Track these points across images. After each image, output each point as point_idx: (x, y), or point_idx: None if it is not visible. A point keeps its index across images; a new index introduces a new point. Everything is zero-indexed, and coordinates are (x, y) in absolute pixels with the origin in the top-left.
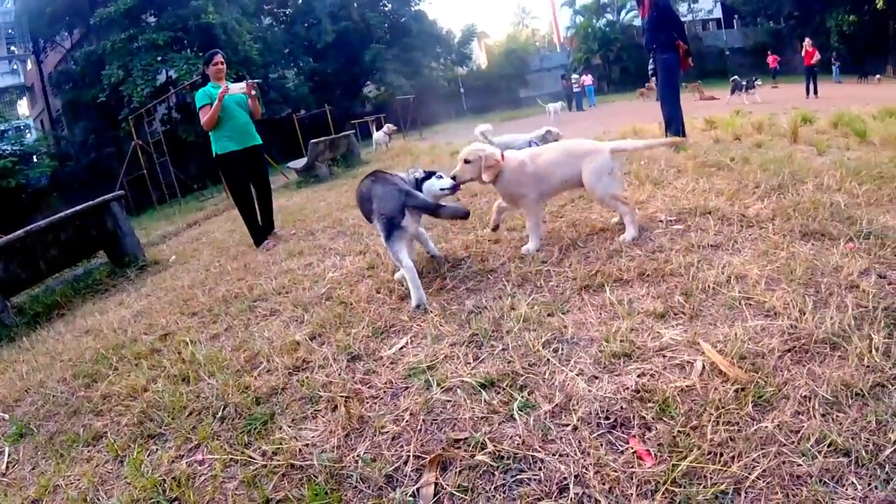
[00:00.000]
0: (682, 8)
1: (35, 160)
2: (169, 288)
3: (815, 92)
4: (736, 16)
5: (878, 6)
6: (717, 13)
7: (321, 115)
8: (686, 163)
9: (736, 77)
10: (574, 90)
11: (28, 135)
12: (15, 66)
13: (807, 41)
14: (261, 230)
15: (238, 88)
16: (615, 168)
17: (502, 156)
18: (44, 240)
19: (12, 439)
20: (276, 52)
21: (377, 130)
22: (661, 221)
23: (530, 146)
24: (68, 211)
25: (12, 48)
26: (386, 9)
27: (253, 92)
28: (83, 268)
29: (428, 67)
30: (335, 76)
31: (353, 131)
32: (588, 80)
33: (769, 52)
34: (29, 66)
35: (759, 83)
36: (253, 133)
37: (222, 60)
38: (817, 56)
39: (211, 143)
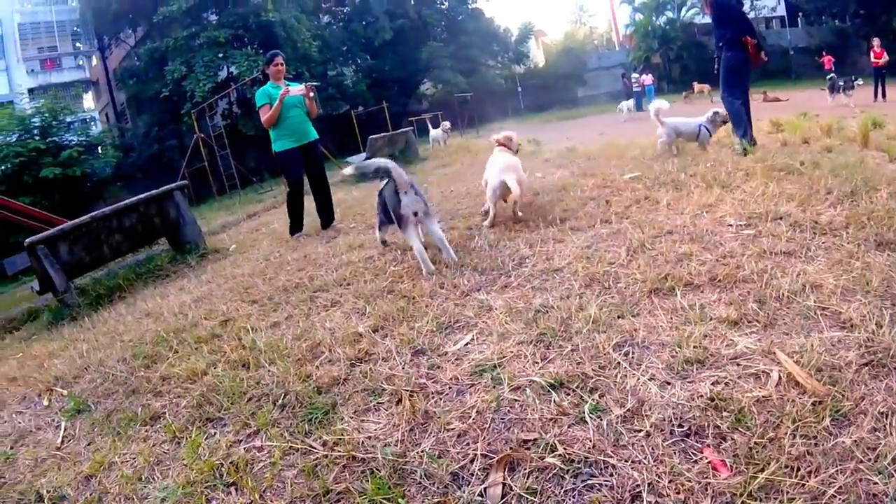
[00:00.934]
0: (745, 5)
1: (100, 151)
2: (229, 276)
3: (884, 95)
4: (800, 14)
5: None
6: (781, 11)
7: (379, 112)
8: (754, 166)
9: (833, 75)
10: (634, 89)
11: (93, 127)
12: (80, 62)
13: (875, 41)
14: (300, 223)
15: (297, 90)
16: None
17: None
18: (108, 225)
19: (69, 415)
20: (334, 50)
21: (434, 128)
22: (730, 225)
23: (700, 130)
24: (133, 199)
25: (77, 44)
26: (443, 7)
27: (311, 94)
28: (145, 253)
29: (485, 65)
30: (392, 73)
31: (411, 128)
32: (648, 79)
33: (823, 53)
34: (94, 61)
35: (860, 83)
36: (310, 130)
37: (282, 61)
38: (885, 57)
39: (271, 141)
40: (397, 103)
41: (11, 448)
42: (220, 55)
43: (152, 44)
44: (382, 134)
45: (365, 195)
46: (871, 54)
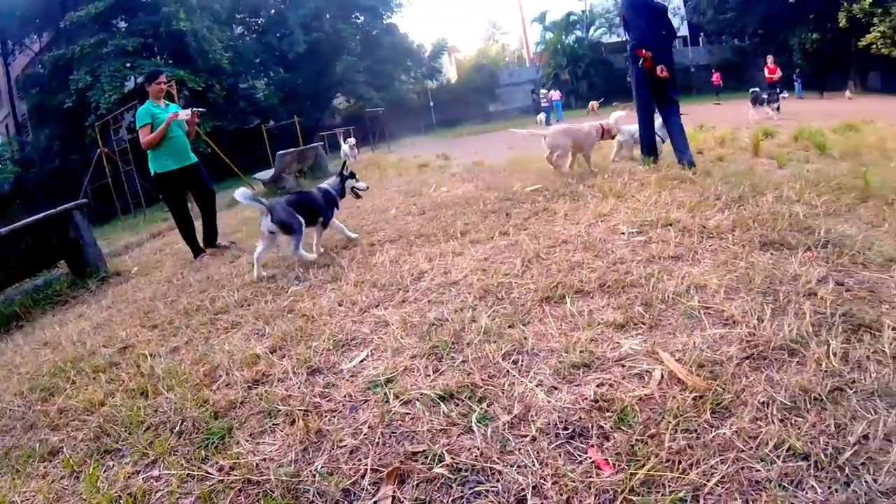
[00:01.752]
0: None
1: None
2: (130, 300)
3: (778, 108)
4: (702, 33)
5: (841, 24)
6: (684, 31)
7: (290, 126)
8: (649, 176)
9: (756, 89)
10: (542, 105)
11: None
12: None
13: (769, 58)
14: (198, 244)
15: (184, 116)
16: None
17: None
18: (2, 248)
19: None
20: (246, 62)
21: (345, 143)
22: (623, 233)
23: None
24: (29, 219)
25: None
26: (358, 21)
27: (196, 120)
28: (43, 278)
29: (398, 80)
30: (305, 87)
31: (322, 143)
32: (556, 95)
33: (713, 70)
34: None
35: (785, 95)
36: (190, 152)
37: (165, 80)
38: (779, 73)
39: (149, 161)
40: (310, 117)
41: None
42: (128, 65)
43: (58, 51)
44: (291, 149)
45: None
46: (766, 70)
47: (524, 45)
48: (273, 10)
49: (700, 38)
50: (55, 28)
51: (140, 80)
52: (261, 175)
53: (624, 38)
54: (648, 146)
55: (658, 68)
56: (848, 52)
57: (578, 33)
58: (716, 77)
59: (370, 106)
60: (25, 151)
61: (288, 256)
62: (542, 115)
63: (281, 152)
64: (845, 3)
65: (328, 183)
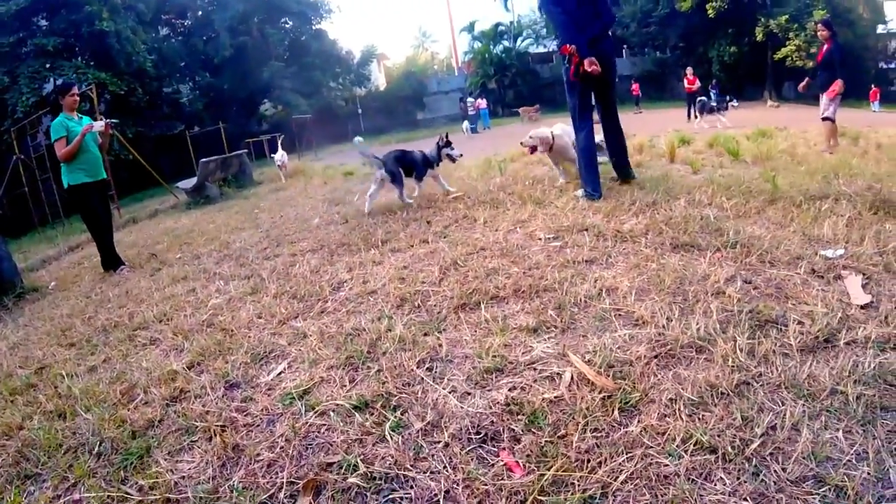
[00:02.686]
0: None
1: None
2: (47, 317)
3: (696, 116)
4: (625, 46)
5: (758, 38)
6: None
7: (215, 133)
8: (568, 183)
9: (703, 98)
10: (469, 112)
11: None
12: None
13: (689, 69)
14: (115, 255)
15: (98, 127)
16: None
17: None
18: None
19: None
20: (171, 65)
21: (273, 152)
22: (539, 239)
23: None
24: None
25: None
26: (286, 26)
27: (110, 131)
28: None
29: (326, 87)
30: (232, 93)
31: (247, 150)
32: (482, 103)
33: (633, 81)
34: None
35: (736, 104)
36: (102, 167)
37: (78, 92)
38: (698, 83)
39: (62, 175)
40: (236, 124)
41: None
42: (48, 66)
43: None
44: (215, 157)
45: (194, 223)
46: (685, 81)
47: (453, 54)
48: (200, 12)
49: (623, 51)
50: None
51: (59, 81)
52: (183, 184)
53: (550, 49)
54: (590, 171)
55: (586, 61)
56: (764, 63)
57: (506, 43)
58: (635, 87)
59: (298, 112)
60: None
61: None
62: (466, 123)
63: (204, 160)
64: (762, 19)
65: (429, 149)
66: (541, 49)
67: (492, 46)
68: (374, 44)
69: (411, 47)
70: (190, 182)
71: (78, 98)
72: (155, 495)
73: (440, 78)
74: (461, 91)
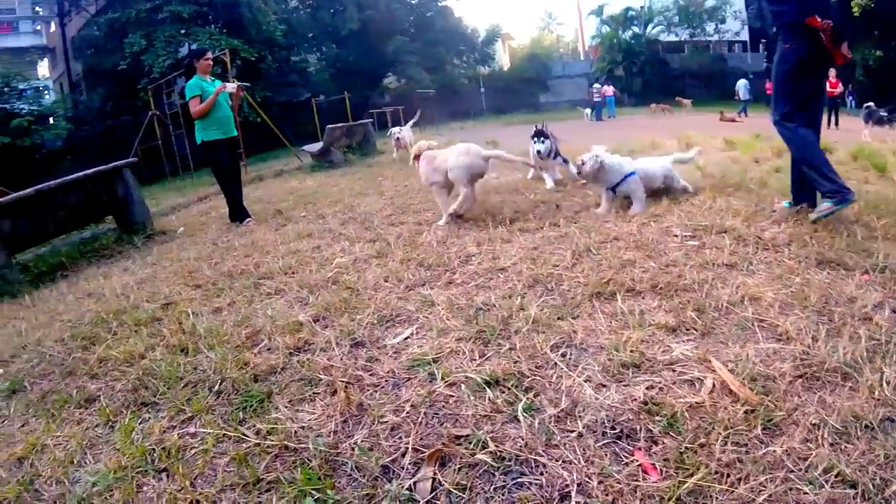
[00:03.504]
0: (710, 27)
1: (52, 122)
2: (175, 259)
3: (836, 123)
4: (763, 40)
5: None
6: (744, 35)
7: (340, 102)
8: (703, 181)
9: (871, 104)
10: (595, 99)
11: (46, 96)
12: (38, 27)
13: (831, 72)
14: (242, 209)
15: (231, 88)
16: None
17: None
18: (53, 200)
19: (4, 395)
20: (299, 36)
21: (402, 125)
22: (675, 236)
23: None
24: (80, 174)
25: (37, 8)
26: (412, 2)
27: (241, 93)
28: (91, 231)
29: (450, 64)
30: (357, 64)
31: (371, 120)
32: (609, 90)
33: (768, 80)
34: (52, 27)
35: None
36: (233, 125)
37: (211, 56)
38: (840, 87)
39: (195, 131)
40: (360, 94)
41: None
42: (182, 31)
43: (113, 14)
44: (341, 124)
45: (318, 185)
46: (828, 84)
47: (579, 38)
48: None
49: (760, 45)
50: None
51: (194, 46)
52: (309, 147)
53: (682, 38)
54: (830, 169)
55: (843, 48)
56: None
57: (636, 29)
58: (769, 86)
59: (421, 87)
60: (79, 110)
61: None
62: (588, 110)
63: (330, 126)
64: None
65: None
66: (672, 37)
67: (620, 32)
68: (499, 23)
69: (537, 29)
70: (315, 146)
71: (211, 62)
72: (272, 440)
73: (565, 62)
74: (586, 76)
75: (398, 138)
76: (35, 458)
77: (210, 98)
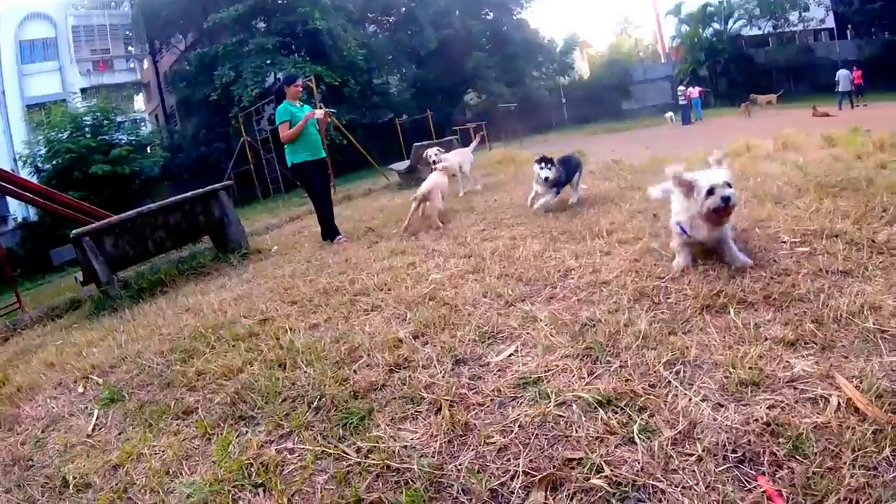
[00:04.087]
0: (793, 17)
1: (149, 150)
2: (270, 276)
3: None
4: (849, 26)
5: None
6: (830, 23)
7: (423, 121)
8: (806, 182)
9: None
10: (680, 102)
11: (143, 127)
12: (132, 65)
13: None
14: (334, 227)
15: (320, 114)
16: None
17: None
18: (153, 221)
19: (103, 403)
20: (379, 58)
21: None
22: (784, 242)
23: None
24: (178, 196)
25: (129, 48)
26: (488, 17)
27: (329, 119)
28: (189, 251)
29: (529, 76)
30: (437, 83)
31: (456, 136)
32: (695, 92)
33: (854, 68)
34: (145, 64)
35: None
36: (321, 148)
37: (301, 84)
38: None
39: (286, 155)
40: (441, 112)
41: (43, 432)
42: (268, 62)
43: (202, 49)
44: (426, 142)
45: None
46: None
47: (658, 40)
48: (404, 9)
49: (848, 32)
50: (199, 28)
51: (280, 75)
52: (396, 166)
53: (766, 31)
54: None
55: None
56: None
57: (716, 26)
58: (856, 75)
59: (501, 102)
60: (173, 139)
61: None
62: (670, 114)
63: (417, 144)
64: None
65: None
66: (755, 31)
67: (701, 30)
68: (576, 32)
69: (614, 34)
70: (402, 165)
71: (301, 89)
72: (374, 459)
73: (646, 65)
74: (669, 79)
75: (434, 161)
76: (130, 467)
77: (299, 124)
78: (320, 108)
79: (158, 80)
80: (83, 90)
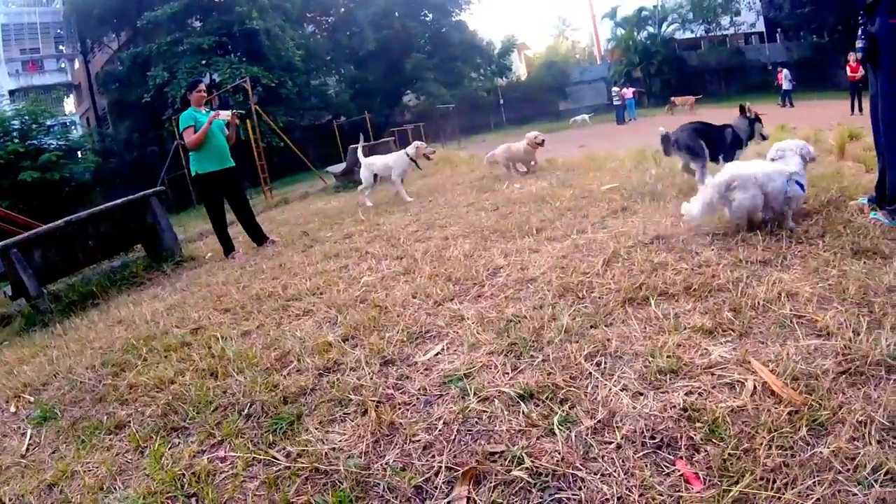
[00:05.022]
0: (725, 21)
1: (80, 156)
2: (203, 284)
3: (860, 108)
4: (779, 29)
5: None
6: (760, 27)
7: (361, 122)
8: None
9: None
10: (615, 103)
11: (74, 131)
12: (63, 65)
13: (851, 55)
14: (230, 242)
15: (225, 116)
16: None
17: None
18: (83, 231)
19: (35, 422)
20: (318, 59)
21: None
22: (706, 235)
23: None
24: (108, 204)
25: (60, 47)
26: (427, 19)
27: (236, 121)
28: (121, 260)
29: (468, 78)
30: (376, 84)
31: (393, 138)
32: (628, 93)
33: (779, 69)
34: (77, 65)
35: None
36: (229, 156)
37: (204, 88)
38: (861, 71)
39: (190, 163)
40: (380, 114)
41: None
42: (203, 62)
43: (135, 48)
44: (364, 143)
45: (343, 205)
46: (848, 69)
47: (595, 42)
48: (343, 9)
49: (777, 35)
50: (132, 27)
51: (215, 76)
52: (333, 168)
53: (698, 34)
54: None
55: None
56: None
57: (651, 29)
58: (781, 76)
59: (440, 103)
60: (105, 143)
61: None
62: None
63: (353, 146)
64: None
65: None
66: (688, 34)
67: (635, 33)
68: (514, 34)
69: (552, 36)
70: (339, 167)
71: (205, 94)
72: (303, 463)
73: (582, 67)
74: (605, 80)
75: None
76: (65, 485)
77: (203, 127)
78: (228, 111)
79: (90, 81)
80: (11, 92)
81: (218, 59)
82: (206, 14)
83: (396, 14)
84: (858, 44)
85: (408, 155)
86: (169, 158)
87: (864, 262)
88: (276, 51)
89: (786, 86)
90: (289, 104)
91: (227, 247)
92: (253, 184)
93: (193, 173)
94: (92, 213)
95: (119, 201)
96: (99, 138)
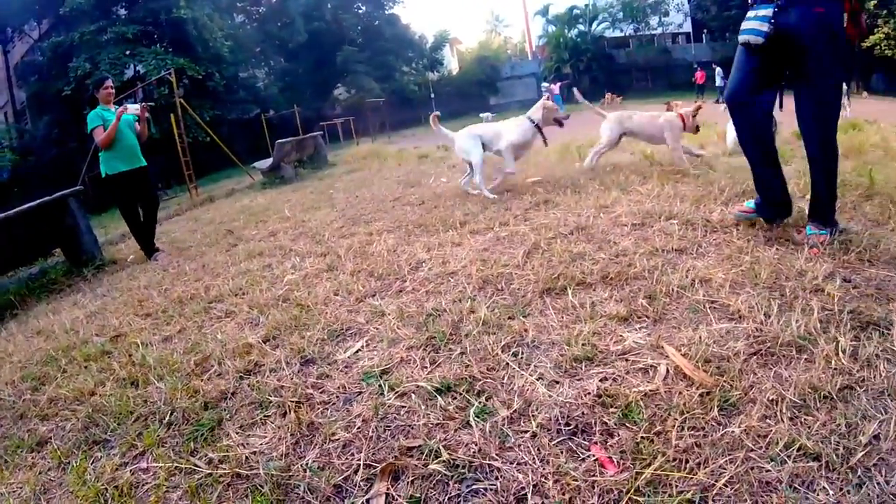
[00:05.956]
0: (654, 21)
1: None
2: (125, 288)
3: (781, 105)
4: (705, 30)
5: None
6: (687, 27)
7: (290, 116)
8: (651, 170)
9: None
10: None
11: None
12: None
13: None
14: (153, 245)
15: (134, 110)
16: None
17: None
18: None
19: None
20: (247, 51)
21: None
22: (624, 225)
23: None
24: (22, 207)
25: None
26: (360, 11)
27: (146, 115)
28: (39, 266)
29: (399, 71)
30: (306, 77)
31: (322, 132)
32: (555, 88)
33: (698, 68)
34: None
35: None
36: (140, 155)
37: (112, 85)
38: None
39: (100, 164)
40: (311, 108)
41: None
42: (128, 52)
43: (57, 38)
44: (290, 138)
45: (269, 201)
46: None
47: (527, 39)
48: None
49: (703, 36)
50: (55, 15)
51: (140, 67)
52: (259, 164)
53: (627, 33)
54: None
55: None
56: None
57: (581, 27)
58: (699, 75)
59: (371, 97)
60: (24, 139)
61: None
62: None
63: (280, 141)
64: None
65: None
66: (617, 33)
67: (566, 30)
68: (447, 28)
69: (484, 32)
70: (266, 163)
71: (112, 91)
72: (224, 469)
73: (514, 63)
74: (535, 76)
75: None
76: None
77: (112, 125)
78: (136, 104)
79: (8, 72)
80: None
81: (143, 50)
82: (132, 2)
83: (329, 6)
84: (756, 31)
85: (531, 121)
86: (90, 156)
87: (777, 249)
88: (203, 41)
89: (719, 83)
90: (216, 97)
91: (148, 250)
92: (178, 181)
93: (103, 174)
94: (6, 217)
95: (34, 203)
96: (17, 135)
